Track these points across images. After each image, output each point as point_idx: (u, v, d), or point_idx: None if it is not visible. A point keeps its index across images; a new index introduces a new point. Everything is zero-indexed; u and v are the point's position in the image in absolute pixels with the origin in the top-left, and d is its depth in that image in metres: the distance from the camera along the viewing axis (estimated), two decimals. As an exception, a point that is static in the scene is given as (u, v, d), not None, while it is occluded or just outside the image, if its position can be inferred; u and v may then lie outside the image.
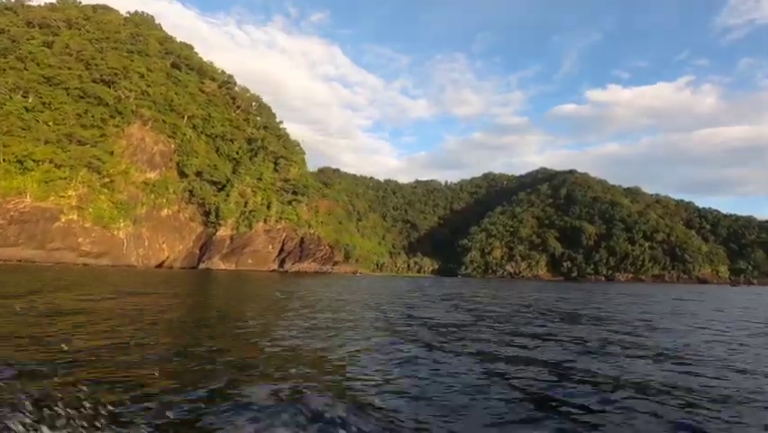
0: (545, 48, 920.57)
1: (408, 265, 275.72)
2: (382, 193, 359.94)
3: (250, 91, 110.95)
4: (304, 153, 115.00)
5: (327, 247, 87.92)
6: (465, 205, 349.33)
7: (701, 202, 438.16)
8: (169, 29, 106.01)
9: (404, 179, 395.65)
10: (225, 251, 77.19)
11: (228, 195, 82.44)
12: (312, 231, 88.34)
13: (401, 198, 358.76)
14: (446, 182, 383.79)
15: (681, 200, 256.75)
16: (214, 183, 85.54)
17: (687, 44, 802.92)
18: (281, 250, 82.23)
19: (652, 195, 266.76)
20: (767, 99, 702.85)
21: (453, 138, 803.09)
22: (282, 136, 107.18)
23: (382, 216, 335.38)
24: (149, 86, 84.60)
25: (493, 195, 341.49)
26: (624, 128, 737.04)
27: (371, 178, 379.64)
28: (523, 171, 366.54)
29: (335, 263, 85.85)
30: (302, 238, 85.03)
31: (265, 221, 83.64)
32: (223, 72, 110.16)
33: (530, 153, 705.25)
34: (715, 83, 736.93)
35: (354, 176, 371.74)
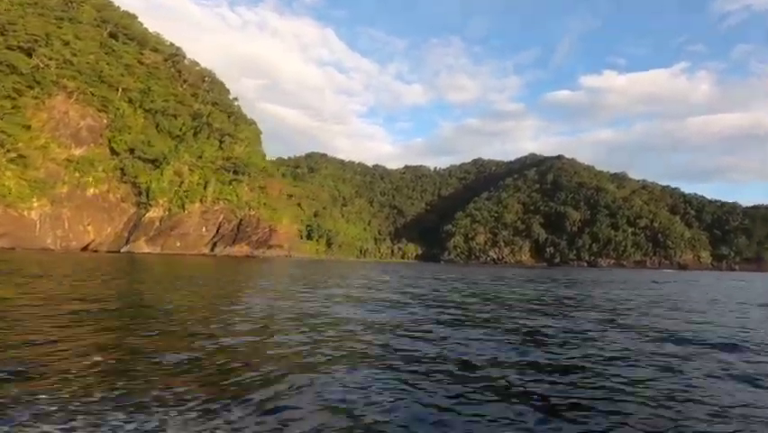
0: (542, 33, 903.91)
1: (392, 251, 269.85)
2: (370, 178, 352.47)
3: (200, 65, 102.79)
4: (260, 132, 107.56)
5: (267, 230, 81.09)
6: (454, 190, 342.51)
7: (696, 190, 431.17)
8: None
9: (399, 165, 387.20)
10: (152, 233, 70.20)
11: (162, 173, 75.33)
12: (252, 213, 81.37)
13: (389, 184, 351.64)
14: (435, 168, 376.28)
15: (668, 186, 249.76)
16: (150, 161, 78.34)
17: (684, 30, 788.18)
18: (217, 232, 75.55)
19: (638, 181, 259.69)
20: (760, 86, 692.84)
21: (449, 124, 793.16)
22: (234, 113, 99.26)
23: (369, 201, 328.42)
24: (74, 54, 76.61)
25: (482, 181, 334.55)
26: (618, 115, 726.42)
27: (360, 163, 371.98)
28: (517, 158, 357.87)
29: (270, 247, 79.06)
30: (240, 220, 78.30)
31: (201, 201, 76.70)
32: (171, 45, 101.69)
33: (525, 139, 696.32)
34: (710, 69, 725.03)
35: (342, 161, 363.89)
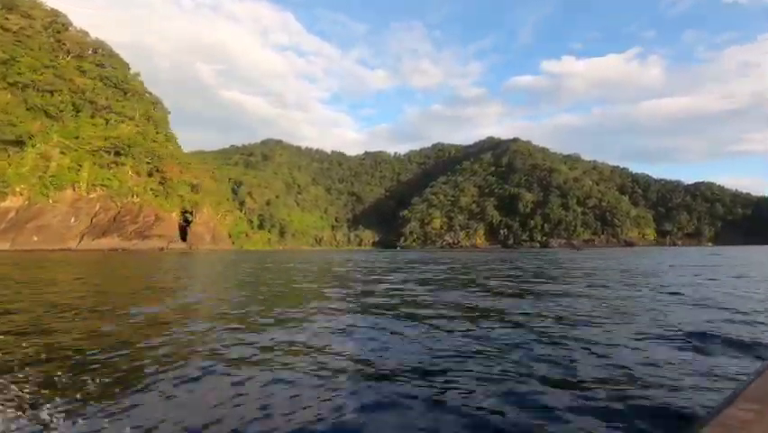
0: (502, 18, 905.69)
1: (349, 239, 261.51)
2: (327, 165, 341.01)
3: (90, 36, 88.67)
4: (167, 113, 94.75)
5: (152, 218, 70.49)
6: (413, 176, 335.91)
7: (648, 172, 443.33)
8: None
9: (361, 152, 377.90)
10: (3, 226, 58.44)
11: (23, 157, 63.13)
12: (136, 200, 70.35)
13: (347, 170, 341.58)
14: (395, 153, 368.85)
15: (617, 166, 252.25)
16: (13, 143, 65.88)
17: (637, 15, 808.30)
18: (91, 223, 64.29)
19: (590, 161, 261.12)
20: (707, 71, 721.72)
21: (413, 110, 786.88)
22: (131, 91, 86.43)
23: (327, 188, 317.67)
24: None
25: (441, 165, 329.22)
26: (577, 99, 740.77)
27: (317, 150, 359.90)
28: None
29: (145, 237, 68.54)
30: (120, 209, 67.31)
31: (74, 188, 65.16)
32: (52, 10, 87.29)
33: (489, 125, 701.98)
34: (661, 55, 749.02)
35: (299, 148, 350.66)
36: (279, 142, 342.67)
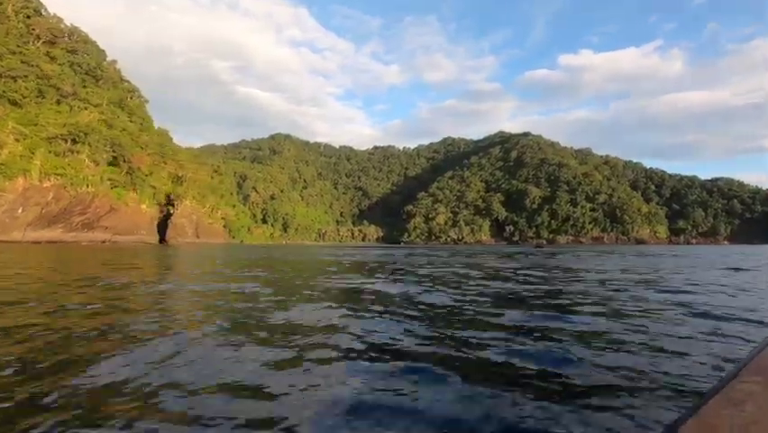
0: (516, 11, 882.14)
1: (353, 234, 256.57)
2: (335, 159, 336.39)
3: (64, 22, 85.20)
4: (144, 100, 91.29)
5: (103, 209, 66.34)
6: (421, 171, 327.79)
7: (667, 168, 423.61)
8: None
9: (369, 146, 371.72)
10: (-55, 217, 55.42)
11: (-26, 145, 59.88)
12: (90, 189, 66.46)
13: (355, 165, 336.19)
14: (404, 147, 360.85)
15: (630, 161, 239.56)
16: (-31, 131, 62.75)
17: (657, 7, 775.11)
18: (41, 213, 60.59)
19: (601, 156, 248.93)
20: (730, 64, 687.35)
21: (427, 105, 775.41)
22: (103, 78, 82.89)
23: (334, 183, 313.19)
24: None
25: (450, 160, 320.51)
26: (593, 94, 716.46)
27: (326, 144, 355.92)
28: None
29: (91, 229, 64.46)
30: (72, 199, 63.45)
31: (25, 177, 61.68)
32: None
33: (503, 120, 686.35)
34: (682, 48, 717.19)
35: (307, 142, 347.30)
36: (288, 136, 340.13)
